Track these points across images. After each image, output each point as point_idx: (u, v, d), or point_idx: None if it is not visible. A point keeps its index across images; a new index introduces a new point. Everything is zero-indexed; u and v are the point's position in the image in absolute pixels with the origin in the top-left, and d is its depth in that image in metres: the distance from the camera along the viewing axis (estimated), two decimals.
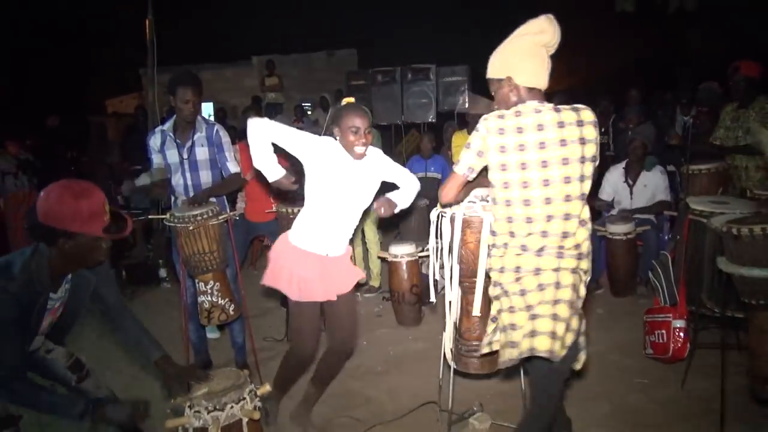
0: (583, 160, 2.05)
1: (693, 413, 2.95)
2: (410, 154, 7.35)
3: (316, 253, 2.68)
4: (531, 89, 2.15)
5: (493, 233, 2.23)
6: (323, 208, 2.66)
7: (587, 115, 2.07)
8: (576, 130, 2.04)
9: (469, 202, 2.53)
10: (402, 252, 4.41)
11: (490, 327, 2.25)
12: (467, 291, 2.64)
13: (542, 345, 2.02)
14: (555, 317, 2.05)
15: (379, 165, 2.76)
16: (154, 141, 3.41)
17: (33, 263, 2.02)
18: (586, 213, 2.14)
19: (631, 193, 4.89)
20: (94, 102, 16.48)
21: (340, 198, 2.65)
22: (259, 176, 4.19)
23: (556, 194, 2.06)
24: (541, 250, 2.10)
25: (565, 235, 2.09)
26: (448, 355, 2.68)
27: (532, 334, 2.05)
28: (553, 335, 2.02)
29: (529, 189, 2.07)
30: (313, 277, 2.65)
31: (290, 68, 12.69)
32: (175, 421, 2.09)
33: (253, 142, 2.60)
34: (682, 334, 3.27)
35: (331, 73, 13.24)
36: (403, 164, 5.91)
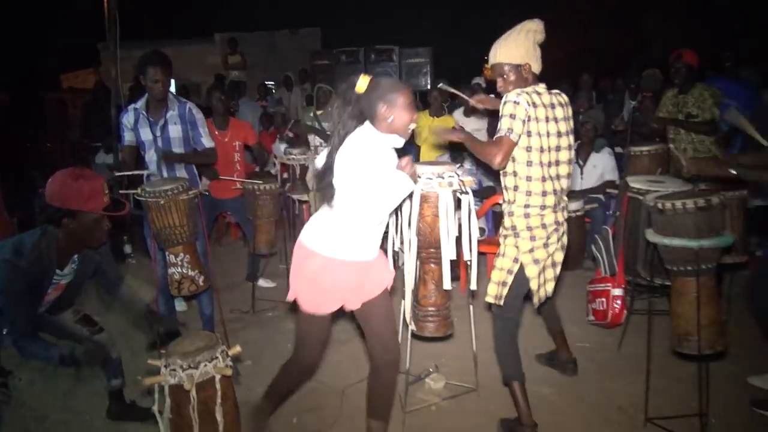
0: (569, 132, 2.65)
1: (626, 372, 3.25)
2: None
3: (363, 260, 2.43)
4: (536, 75, 2.67)
5: (528, 194, 2.62)
6: (378, 214, 2.34)
7: (566, 97, 2.73)
8: (567, 109, 2.69)
9: (426, 178, 2.72)
10: None
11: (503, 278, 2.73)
12: (424, 261, 2.85)
13: (551, 288, 2.81)
14: (555, 264, 2.82)
15: None
16: (128, 119, 3.51)
17: (43, 243, 2.28)
18: None
19: (582, 173, 5.18)
20: (47, 77, 15.99)
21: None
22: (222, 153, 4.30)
23: (563, 159, 2.64)
24: (556, 206, 2.64)
25: (563, 192, 2.68)
26: (407, 319, 2.89)
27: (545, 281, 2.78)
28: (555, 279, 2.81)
29: (549, 154, 2.58)
30: (353, 286, 2.44)
31: (253, 46, 12.60)
32: (152, 378, 2.24)
33: None
34: (619, 302, 3.58)
35: (295, 52, 13.20)
36: None
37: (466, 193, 2.74)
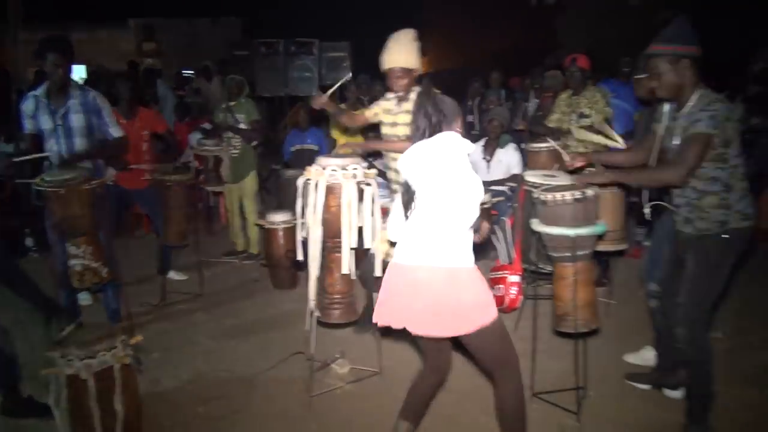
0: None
1: (519, 352, 3.47)
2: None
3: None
4: None
5: None
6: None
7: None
8: None
9: (331, 170, 2.82)
10: (279, 219, 4.66)
11: None
12: (330, 250, 2.95)
13: None
14: None
15: None
16: (27, 106, 3.39)
17: None
18: None
19: (488, 167, 5.44)
20: None
21: None
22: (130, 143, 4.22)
23: None
24: None
25: None
26: (312, 306, 2.99)
27: None
28: None
29: None
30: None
31: (170, 34, 12.22)
32: (50, 369, 2.23)
33: None
34: (515, 288, 3.83)
35: (214, 41, 12.91)
36: (284, 137, 6.13)
37: (369, 184, 2.86)
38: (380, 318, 2.29)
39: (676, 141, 2.55)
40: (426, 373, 2.43)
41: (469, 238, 2.20)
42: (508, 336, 2.36)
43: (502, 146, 5.39)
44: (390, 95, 3.48)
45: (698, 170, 2.49)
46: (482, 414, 2.91)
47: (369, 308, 3.60)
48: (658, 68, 2.52)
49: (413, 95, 3.19)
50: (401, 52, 3.27)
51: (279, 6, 13.34)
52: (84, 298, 4.26)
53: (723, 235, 2.55)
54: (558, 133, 4.66)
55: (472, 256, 2.20)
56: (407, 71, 3.27)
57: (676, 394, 2.99)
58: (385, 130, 3.53)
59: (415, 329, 2.20)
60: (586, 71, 4.61)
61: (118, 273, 3.62)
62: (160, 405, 3.01)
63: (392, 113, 3.45)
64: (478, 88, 7.09)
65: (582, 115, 4.62)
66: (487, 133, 5.51)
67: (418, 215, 2.21)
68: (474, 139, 5.98)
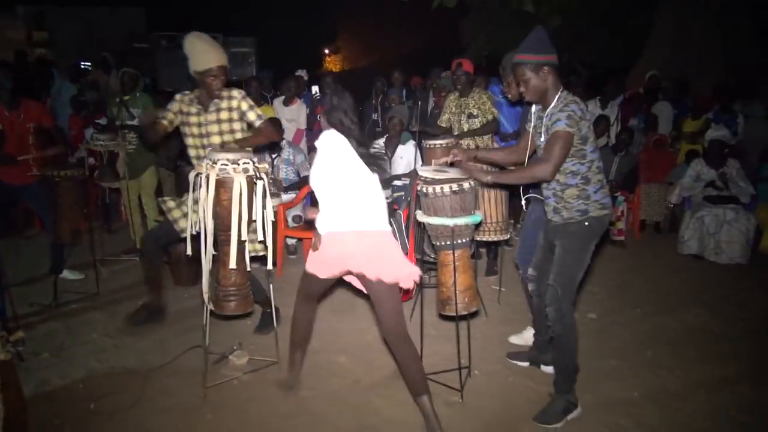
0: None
1: (413, 339, 3.69)
2: None
3: None
4: None
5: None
6: None
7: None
8: None
9: (222, 164, 2.87)
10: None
11: None
12: (223, 243, 3.00)
13: None
14: None
15: None
16: None
17: None
18: None
19: (390, 163, 5.64)
20: None
21: None
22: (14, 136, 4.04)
23: None
24: None
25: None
26: (206, 300, 3.03)
27: None
28: None
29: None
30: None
31: (65, 22, 11.57)
32: None
33: None
34: None
35: (115, 32, 12.36)
36: None
37: (261, 178, 2.94)
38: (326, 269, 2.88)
39: (543, 139, 2.82)
40: (309, 308, 3.09)
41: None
42: (403, 311, 2.84)
43: (403, 143, 5.61)
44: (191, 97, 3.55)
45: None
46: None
47: (266, 312, 3.71)
48: (524, 75, 2.78)
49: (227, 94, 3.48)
50: (219, 50, 3.46)
51: None
52: None
53: (585, 223, 2.85)
54: (450, 132, 4.96)
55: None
56: (224, 69, 3.42)
57: (550, 368, 3.29)
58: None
59: (355, 269, 2.76)
60: (470, 75, 4.96)
61: (2, 272, 3.48)
62: (50, 404, 2.95)
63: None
64: (381, 87, 7.27)
65: (471, 116, 4.93)
66: (388, 131, 5.70)
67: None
68: (377, 136, 6.22)
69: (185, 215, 3.42)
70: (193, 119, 3.50)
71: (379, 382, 3.25)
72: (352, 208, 2.70)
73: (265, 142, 3.63)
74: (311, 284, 2.99)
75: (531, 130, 2.99)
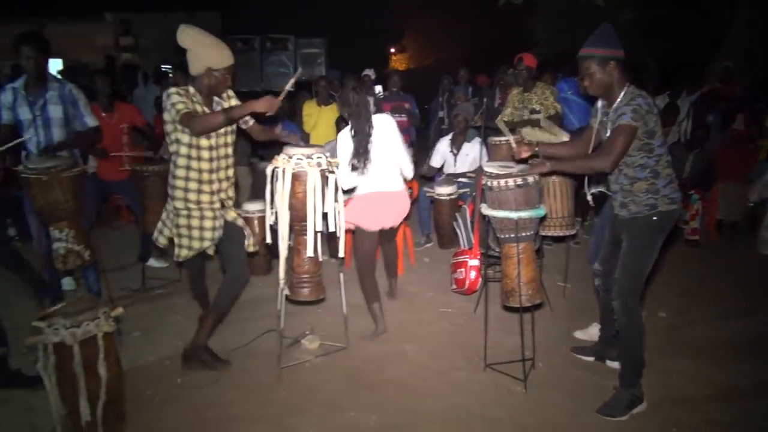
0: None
1: (478, 330, 3.76)
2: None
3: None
4: None
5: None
6: None
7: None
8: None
9: (297, 159, 3.06)
10: (254, 209, 4.87)
11: None
12: (298, 233, 3.19)
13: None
14: None
15: None
16: (5, 98, 3.56)
17: None
18: None
19: (456, 160, 5.72)
20: None
21: None
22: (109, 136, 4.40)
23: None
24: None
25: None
26: (281, 285, 3.22)
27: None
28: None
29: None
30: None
31: (148, 28, 12.29)
32: (35, 337, 2.44)
33: None
34: (474, 271, 4.11)
35: None
36: None
37: (333, 172, 3.11)
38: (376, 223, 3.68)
39: (608, 134, 2.84)
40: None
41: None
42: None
43: (469, 140, 5.67)
44: None
45: (628, 158, 2.79)
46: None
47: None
48: (590, 69, 2.81)
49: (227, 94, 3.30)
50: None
51: (256, 2, 13.49)
52: (67, 283, 4.45)
53: (653, 218, 2.85)
54: (513, 127, 4.99)
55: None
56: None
57: (617, 364, 3.28)
58: None
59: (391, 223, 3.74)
60: (532, 69, 4.95)
61: (98, 257, 3.81)
62: (141, 377, 3.23)
63: None
64: (447, 84, 7.36)
65: (533, 111, 4.94)
66: (453, 128, 5.78)
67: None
68: (443, 133, 6.31)
69: (164, 234, 3.32)
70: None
71: (443, 369, 3.35)
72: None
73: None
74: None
75: (596, 125, 3.01)
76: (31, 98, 3.56)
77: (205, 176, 3.12)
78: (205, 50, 3.11)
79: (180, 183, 3.11)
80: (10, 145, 3.50)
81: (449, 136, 5.82)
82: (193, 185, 3.11)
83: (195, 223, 3.15)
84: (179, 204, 3.13)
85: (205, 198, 3.14)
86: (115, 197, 5.86)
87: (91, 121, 3.77)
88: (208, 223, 3.16)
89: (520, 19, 16.02)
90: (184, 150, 3.08)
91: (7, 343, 3.11)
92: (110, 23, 12.20)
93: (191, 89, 3.12)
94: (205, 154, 3.12)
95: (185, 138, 3.06)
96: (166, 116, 3.02)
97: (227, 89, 3.26)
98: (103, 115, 4.62)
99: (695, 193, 5.71)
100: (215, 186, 3.17)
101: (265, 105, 3.02)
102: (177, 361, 3.41)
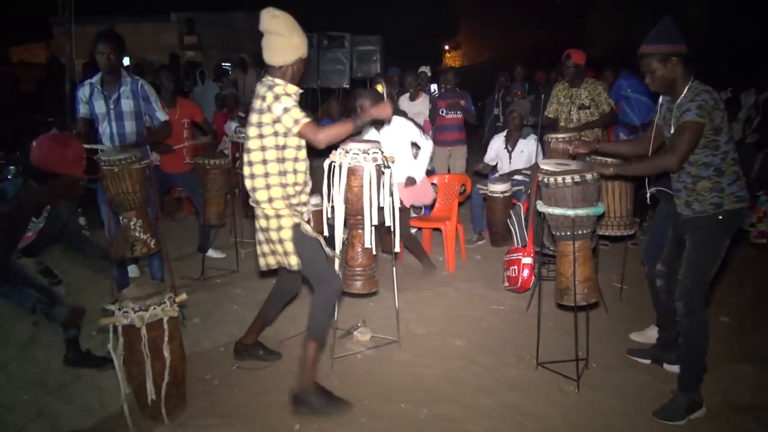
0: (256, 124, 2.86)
1: (530, 328, 3.72)
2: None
3: None
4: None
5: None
6: None
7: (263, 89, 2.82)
8: (260, 101, 2.82)
9: (353, 153, 3.11)
10: (311, 202, 4.96)
11: None
12: (352, 227, 3.26)
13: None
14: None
15: None
16: (83, 92, 3.78)
17: (23, 193, 2.62)
18: None
19: (510, 157, 5.67)
20: None
21: None
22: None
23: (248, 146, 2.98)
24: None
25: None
26: None
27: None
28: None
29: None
30: None
31: (210, 27, 12.69)
32: (107, 319, 2.59)
33: (332, 138, 2.79)
34: (528, 269, 4.07)
35: (252, 34, 13.29)
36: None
37: (389, 167, 3.15)
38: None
39: (672, 131, 2.76)
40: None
41: None
42: None
43: (524, 137, 5.61)
44: None
45: (692, 156, 2.71)
46: None
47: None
48: (651, 66, 2.73)
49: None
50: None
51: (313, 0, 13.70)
52: (132, 271, 4.66)
53: (718, 217, 2.76)
54: (556, 123, 4.97)
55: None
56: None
57: (675, 368, 3.19)
58: None
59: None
60: (580, 66, 4.90)
61: (164, 250, 3.99)
62: (200, 362, 3.37)
63: None
64: (504, 81, 7.30)
65: (582, 107, 4.88)
66: (508, 125, 5.73)
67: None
68: (498, 131, 6.26)
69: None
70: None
71: (495, 365, 3.35)
72: None
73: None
74: None
75: (659, 121, 2.93)
76: (106, 93, 3.77)
77: (301, 178, 2.94)
78: (298, 38, 2.81)
79: (286, 187, 2.87)
80: (93, 147, 3.70)
81: (503, 133, 5.78)
82: (291, 190, 2.90)
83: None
84: (280, 204, 2.84)
85: (303, 199, 3.00)
86: (177, 189, 6.10)
87: (161, 116, 3.96)
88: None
89: (577, 15, 15.68)
90: (290, 153, 2.85)
91: (79, 326, 3.30)
92: (174, 23, 12.65)
93: (279, 81, 2.78)
94: (302, 155, 2.93)
95: (294, 141, 2.83)
96: (267, 117, 2.72)
97: None
98: (166, 110, 4.81)
99: (763, 194, 5.46)
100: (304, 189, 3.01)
101: (384, 112, 2.96)
102: (232, 347, 3.53)
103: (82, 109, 3.81)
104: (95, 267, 4.28)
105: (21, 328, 3.81)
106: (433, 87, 5.87)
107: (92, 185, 4.10)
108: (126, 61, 11.76)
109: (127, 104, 3.80)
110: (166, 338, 2.65)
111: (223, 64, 10.81)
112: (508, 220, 4.52)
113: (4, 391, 3.09)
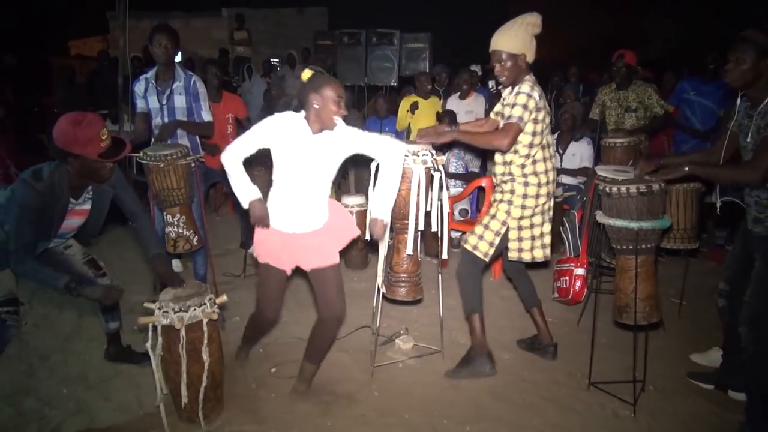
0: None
1: (580, 344, 3.52)
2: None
3: (282, 230, 2.77)
4: (529, 65, 2.99)
5: (534, 172, 3.01)
6: (286, 184, 2.73)
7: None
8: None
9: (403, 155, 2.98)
10: (353, 203, 4.88)
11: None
12: (398, 231, 3.13)
13: (527, 255, 3.13)
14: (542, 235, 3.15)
15: (347, 138, 2.75)
16: (139, 87, 3.79)
17: (56, 174, 2.59)
18: None
19: (561, 161, 5.44)
20: (54, 43, 16.15)
21: (300, 172, 2.70)
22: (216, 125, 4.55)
23: (551, 142, 3.12)
24: (549, 183, 3.08)
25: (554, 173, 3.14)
26: (379, 283, 3.17)
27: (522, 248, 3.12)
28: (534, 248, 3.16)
29: (546, 137, 3.03)
30: (275, 250, 2.80)
31: (259, 23, 12.77)
32: (146, 318, 2.54)
33: (230, 173, 2.74)
34: (580, 281, 3.86)
35: (300, 30, 13.38)
36: (362, 125, 6.35)
37: (438, 171, 3.01)
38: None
39: (749, 140, 2.53)
40: None
41: (277, 200, 2.83)
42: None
43: (576, 140, 5.38)
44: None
45: None
46: None
47: None
48: (742, 54, 2.48)
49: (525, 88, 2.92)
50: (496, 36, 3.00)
51: None
52: (176, 265, 4.67)
53: None
54: (603, 126, 4.78)
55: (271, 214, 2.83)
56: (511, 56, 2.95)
57: (741, 395, 2.96)
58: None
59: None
60: (632, 67, 4.75)
61: (207, 245, 3.96)
62: (238, 363, 3.31)
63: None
64: (557, 82, 7.06)
65: (628, 109, 4.67)
66: (560, 126, 5.51)
67: None
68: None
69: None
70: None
71: (543, 383, 3.17)
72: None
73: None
74: None
75: (734, 128, 2.70)
76: (160, 88, 3.76)
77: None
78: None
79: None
80: (131, 155, 3.66)
81: (554, 135, 5.55)
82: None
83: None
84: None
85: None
86: (221, 185, 6.10)
87: (206, 116, 3.91)
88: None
89: (635, 14, 15.12)
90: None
91: (120, 318, 3.29)
92: (225, 18, 12.79)
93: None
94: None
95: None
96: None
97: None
98: (212, 104, 4.79)
99: None
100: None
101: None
102: (273, 349, 3.47)
103: (140, 104, 3.82)
104: (143, 258, 4.26)
105: (65, 318, 3.85)
106: (492, 83, 5.71)
107: (141, 178, 4.11)
108: (178, 56, 12.01)
109: (179, 100, 3.78)
110: (206, 341, 2.58)
111: (271, 60, 10.83)
112: (561, 228, 4.31)
113: (46, 385, 3.09)
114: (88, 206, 2.89)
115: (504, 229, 3.07)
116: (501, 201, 3.09)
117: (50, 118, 8.56)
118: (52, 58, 11.82)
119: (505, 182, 3.08)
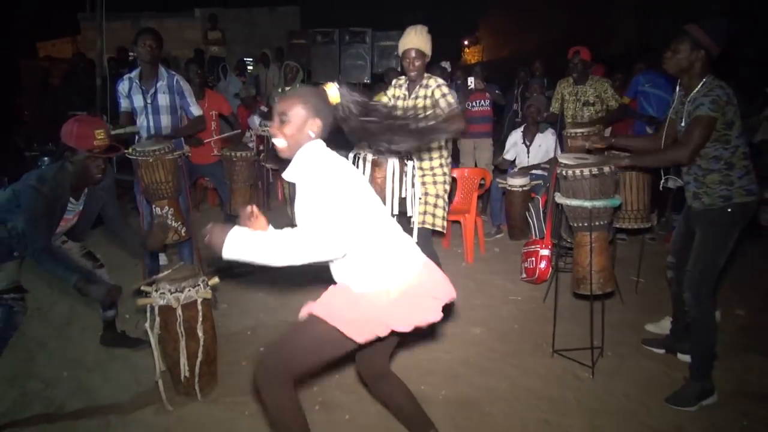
0: None
1: (546, 318, 3.82)
2: None
3: (409, 279, 2.08)
4: None
5: None
6: (377, 223, 2.07)
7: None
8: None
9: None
10: None
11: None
12: None
13: None
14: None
15: None
16: (123, 87, 3.97)
17: (60, 175, 2.79)
18: None
19: (528, 151, 5.75)
20: (22, 45, 15.97)
21: (376, 198, 2.15)
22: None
23: None
24: None
25: None
26: None
27: None
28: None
29: None
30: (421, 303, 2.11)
31: (232, 22, 12.89)
32: (145, 300, 2.75)
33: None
34: (545, 261, 4.17)
35: (273, 30, 13.54)
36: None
37: (411, 159, 3.27)
38: None
39: (683, 124, 2.84)
40: None
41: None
42: None
43: (542, 131, 5.69)
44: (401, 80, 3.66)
45: (703, 150, 2.78)
46: None
47: None
48: (679, 44, 2.77)
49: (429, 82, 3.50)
50: (418, 35, 3.49)
51: None
52: (162, 259, 4.84)
53: (727, 209, 2.83)
54: (562, 119, 5.12)
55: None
56: (422, 54, 3.48)
57: (688, 357, 3.26)
58: None
59: None
60: (587, 62, 5.08)
61: (193, 238, 4.16)
62: (227, 343, 3.52)
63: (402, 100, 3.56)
64: (523, 77, 7.36)
65: (587, 104, 4.99)
66: (526, 119, 5.81)
67: None
68: (517, 126, 6.34)
69: None
70: (400, 103, 3.53)
71: (511, 352, 3.45)
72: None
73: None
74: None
75: (672, 116, 3.01)
76: (144, 87, 3.95)
77: None
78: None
79: None
80: (120, 131, 3.87)
81: (521, 128, 5.86)
82: None
83: None
84: None
85: None
86: (203, 180, 6.27)
87: (196, 111, 4.12)
88: None
89: (597, 9, 15.59)
90: None
91: (116, 306, 3.48)
92: (198, 18, 12.87)
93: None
94: None
95: None
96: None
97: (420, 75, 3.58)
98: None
99: None
100: None
101: None
102: (261, 331, 3.68)
103: (123, 103, 4.00)
104: (129, 253, 4.47)
105: (59, 310, 4.01)
106: (470, 80, 5.97)
107: (125, 177, 4.29)
108: None
109: (163, 99, 3.97)
110: (200, 319, 2.80)
111: (245, 59, 10.98)
112: (527, 213, 4.62)
113: (47, 368, 3.28)
114: (80, 208, 3.09)
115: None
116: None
117: (22, 121, 8.62)
118: (20, 61, 11.75)
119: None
